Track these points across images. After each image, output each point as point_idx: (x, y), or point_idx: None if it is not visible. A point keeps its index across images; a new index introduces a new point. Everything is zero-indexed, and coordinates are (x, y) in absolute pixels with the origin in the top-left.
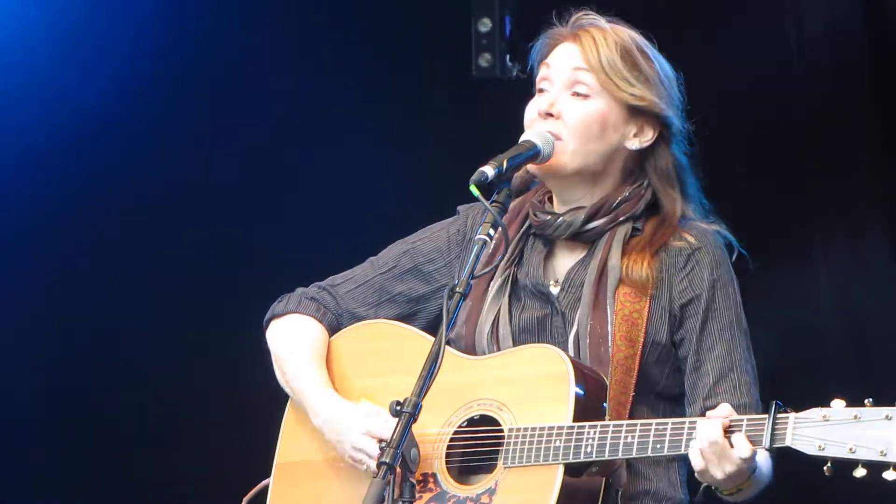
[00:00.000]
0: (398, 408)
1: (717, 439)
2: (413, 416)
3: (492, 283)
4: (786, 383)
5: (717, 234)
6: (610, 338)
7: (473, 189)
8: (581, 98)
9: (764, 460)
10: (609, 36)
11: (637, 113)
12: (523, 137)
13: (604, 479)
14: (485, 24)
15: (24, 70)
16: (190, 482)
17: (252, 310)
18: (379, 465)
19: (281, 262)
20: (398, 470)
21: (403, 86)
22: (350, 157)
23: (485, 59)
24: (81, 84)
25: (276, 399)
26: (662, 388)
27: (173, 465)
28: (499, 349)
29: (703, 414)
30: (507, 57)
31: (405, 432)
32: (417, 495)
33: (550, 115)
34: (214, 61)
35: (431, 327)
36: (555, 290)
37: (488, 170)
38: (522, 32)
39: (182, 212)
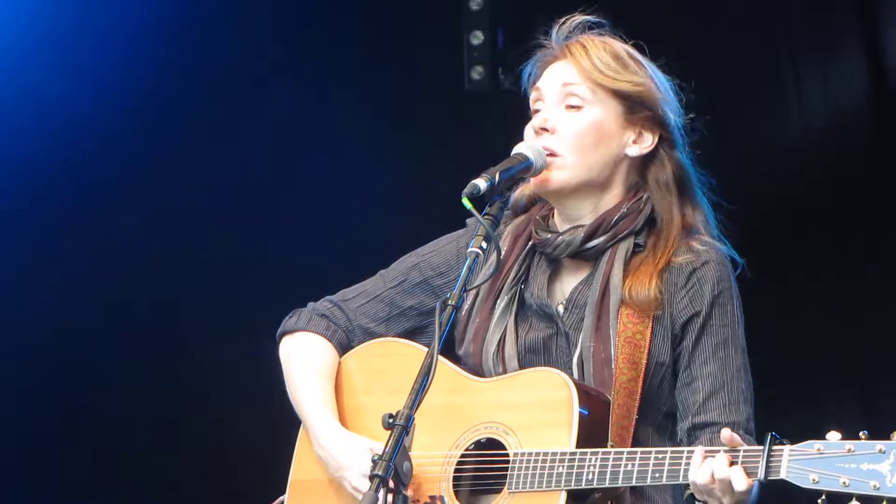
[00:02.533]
0: (391, 420)
1: (719, 474)
2: (405, 429)
3: (498, 301)
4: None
5: (720, 249)
6: (613, 361)
7: (465, 202)
8: (575, 110)
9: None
10: (598, 43)
11: (634, 118)
12: (515, 150)
13: (608, 503)
14: (477, 37)
15: (17, 76)
16: (201, 491)
17: (252, 314)
18: (371, 477)
19: (278, 267)
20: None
21: (396, 99)
22: (345, 169)
23: (477, 72)
24: (76, 90)
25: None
26: (670, 407)
27: (176, 471)
28: (504, 368)
29: (692, 430)
30: (500, 69)
31: (398, 445)
32: None
33: (545, 130)
34: (210, 73)
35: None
36: (560, 309)
37: (480, 182)
38: (514, 45)
39: (181, 217)
